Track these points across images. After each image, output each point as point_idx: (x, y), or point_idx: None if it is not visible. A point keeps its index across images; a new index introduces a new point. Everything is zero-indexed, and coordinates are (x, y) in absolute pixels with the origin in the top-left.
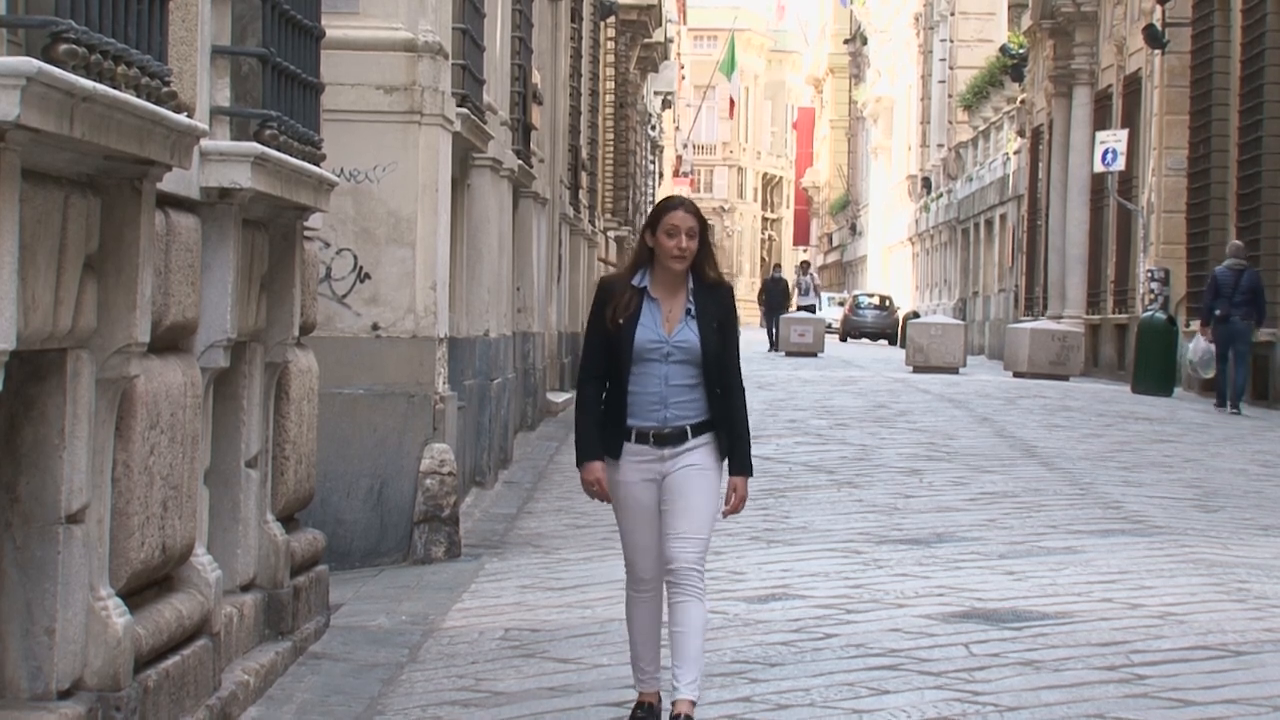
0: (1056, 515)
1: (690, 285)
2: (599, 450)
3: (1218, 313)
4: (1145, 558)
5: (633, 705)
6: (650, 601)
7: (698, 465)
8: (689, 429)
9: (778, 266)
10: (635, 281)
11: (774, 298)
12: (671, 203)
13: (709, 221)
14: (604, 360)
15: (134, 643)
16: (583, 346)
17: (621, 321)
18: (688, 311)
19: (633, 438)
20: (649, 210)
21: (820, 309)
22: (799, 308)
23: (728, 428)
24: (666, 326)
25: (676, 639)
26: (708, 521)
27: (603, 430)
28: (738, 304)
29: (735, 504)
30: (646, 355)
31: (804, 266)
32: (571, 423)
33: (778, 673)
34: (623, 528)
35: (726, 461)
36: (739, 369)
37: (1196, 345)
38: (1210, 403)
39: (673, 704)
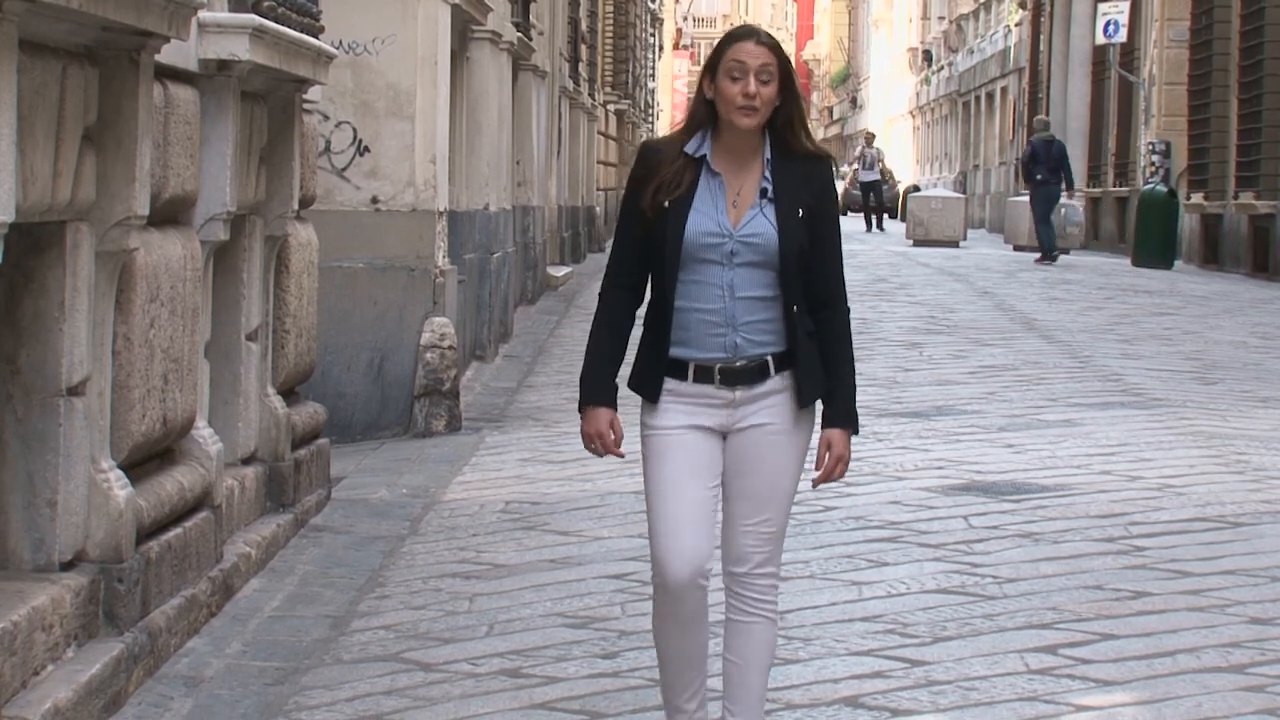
0: (1056, 388)
1: (767, 155)
2: (608, 390)
3: (1039, 178)
4: (1144, 430)
5: None
6: (691, 623)
7: (775, 426)
8: (770, 361)
9: None
10: (691, 149)
11: None
12: (739, 32)
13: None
14: (639, 260)
15: (136, 514)
16: (613, 239)
17: (668, 204)
18: (762, 193)
19: (689, 375)
20: (649, 78)
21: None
22: (861, 184)
23: (825, 360)
24: (732, 214)
25: (734, 673)
26: (786, 505)
27: (637, 362)
28: None
29: (830, 467)
30: (702, 254)
31: (868, 139)
32: (572, 295)
33: None
34: (655, 495)
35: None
36: (841, 277)
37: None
38: (1209, 273)
39: None
